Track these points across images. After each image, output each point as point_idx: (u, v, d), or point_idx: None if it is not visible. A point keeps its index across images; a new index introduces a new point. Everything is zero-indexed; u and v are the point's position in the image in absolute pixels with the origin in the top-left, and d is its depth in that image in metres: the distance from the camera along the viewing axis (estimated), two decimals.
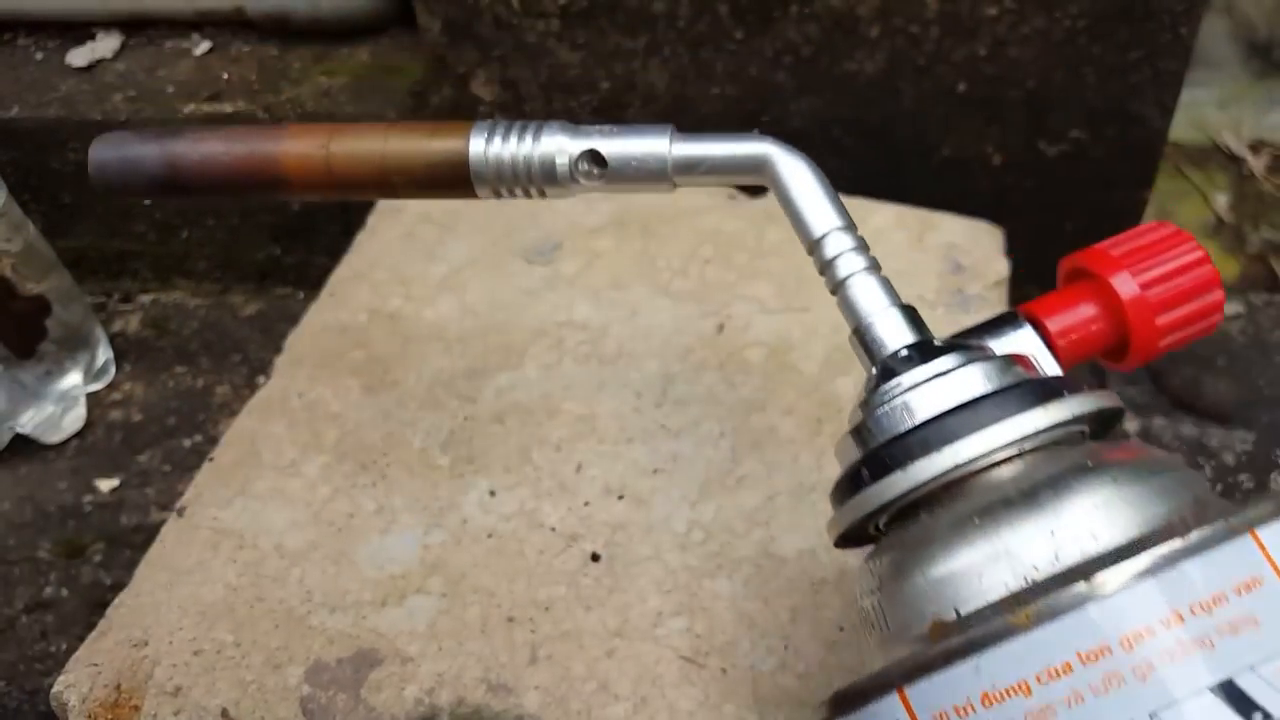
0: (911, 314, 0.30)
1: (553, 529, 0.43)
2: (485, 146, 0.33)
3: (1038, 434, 0.26)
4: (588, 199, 0.59)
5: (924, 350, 0.29)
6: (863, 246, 0.31)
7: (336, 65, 0.78)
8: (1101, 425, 0.30)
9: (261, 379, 0.72)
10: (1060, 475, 0.25)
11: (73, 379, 0.70)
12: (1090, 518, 0.24)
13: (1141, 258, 0.32)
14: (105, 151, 0.35)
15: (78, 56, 0.82)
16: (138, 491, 0.62)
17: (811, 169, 0.32)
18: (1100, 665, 0.22)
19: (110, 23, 0.84)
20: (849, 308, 0.31)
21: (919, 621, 0.25)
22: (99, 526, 0.60)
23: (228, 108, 0.75)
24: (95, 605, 0.55)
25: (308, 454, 0.47)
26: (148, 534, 0.60)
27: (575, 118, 0.67)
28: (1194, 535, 0.23)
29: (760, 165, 0.32)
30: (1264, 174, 0.92)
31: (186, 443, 0.66)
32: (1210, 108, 0.97)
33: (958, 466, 0.26)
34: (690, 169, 0.33)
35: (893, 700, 0.24)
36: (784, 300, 0.52)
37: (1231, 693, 0.21)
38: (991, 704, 0.22)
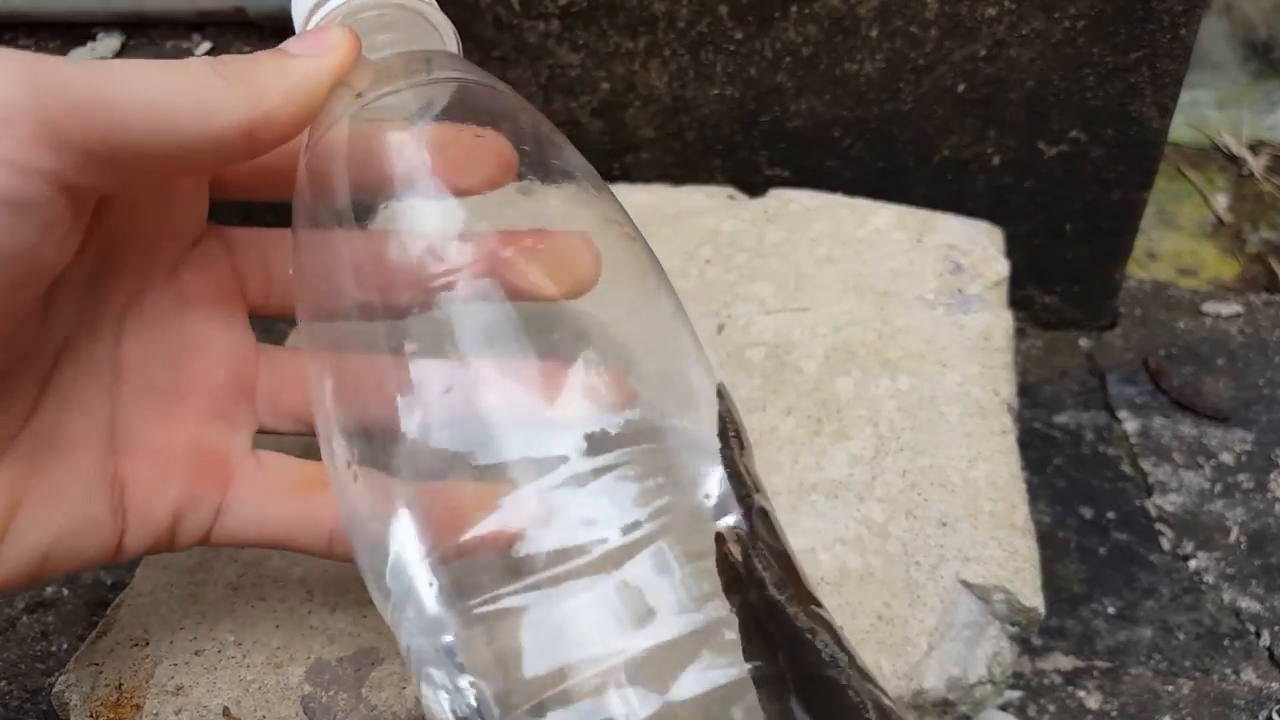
0: None
1: None
2: None
3: None
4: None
5: None
6: None
7: None
8: None
9: None
10: None
11: None
12: None
13: None
14: None
15: (79, 57, 0.82)
16: None
17: None
18: None
19: (111, 23, 0.84)
20: None
21: None
22: None
23: None
24: (96, 605, 0.55)
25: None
26: None
27: (575, 118, 0.68)
28: None
29: None
30: (1263, 174, 0.92)
31: None
32: (1210, 108, 0.97)
33: None
34: None
35: None
36: (784, 300, 0.52)
37: None
38: None
